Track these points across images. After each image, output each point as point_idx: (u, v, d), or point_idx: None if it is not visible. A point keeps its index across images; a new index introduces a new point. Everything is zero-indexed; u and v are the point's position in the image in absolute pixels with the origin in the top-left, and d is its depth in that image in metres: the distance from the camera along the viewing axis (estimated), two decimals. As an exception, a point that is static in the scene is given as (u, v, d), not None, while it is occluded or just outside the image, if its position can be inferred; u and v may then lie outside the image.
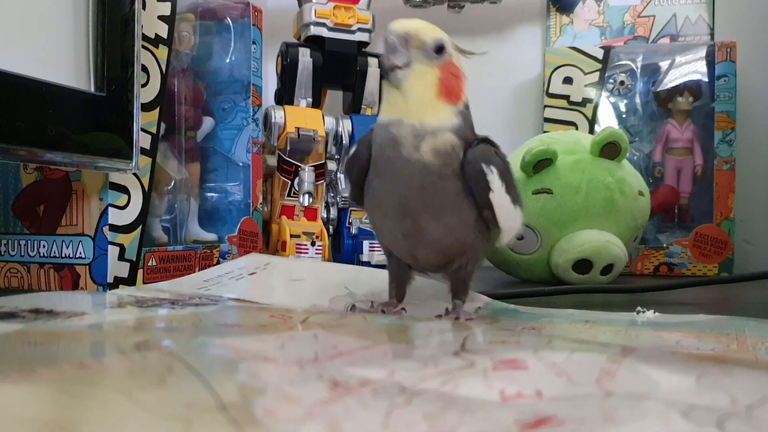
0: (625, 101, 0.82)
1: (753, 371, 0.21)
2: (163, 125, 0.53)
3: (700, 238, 0.76)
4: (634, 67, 0.81)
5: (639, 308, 0.39)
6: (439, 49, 0.33)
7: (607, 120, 0.81)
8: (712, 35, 0.84)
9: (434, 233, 0.33)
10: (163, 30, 0.51)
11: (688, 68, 0.79)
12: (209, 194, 0.64)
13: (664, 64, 0.81)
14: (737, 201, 0.76)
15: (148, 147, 0.49)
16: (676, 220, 0.79)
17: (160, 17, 0.51)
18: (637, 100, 0.81)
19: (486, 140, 0.34)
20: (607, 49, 0.81)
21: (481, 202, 0.33)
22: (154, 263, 0.51)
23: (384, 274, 0.39)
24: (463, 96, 0.34)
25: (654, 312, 0.38)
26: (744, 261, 0.79)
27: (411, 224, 0.33)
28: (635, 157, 0.80)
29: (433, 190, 0.32)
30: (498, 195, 0.33)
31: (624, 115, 0.82)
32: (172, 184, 0.58)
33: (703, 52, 0.78)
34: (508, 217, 0.34)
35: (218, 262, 0.58)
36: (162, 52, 0.51)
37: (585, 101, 0.81)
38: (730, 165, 0.76)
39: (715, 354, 0.26)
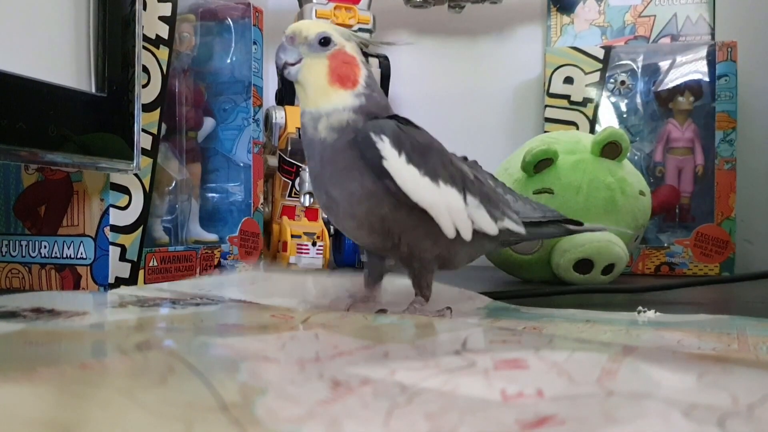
0: (625, 101, 0.82)
1: (754, 370, 0.21)
2: (164, 126, 0.53)
3: (701, 238, 0.76)
4: (635, 67, 0.81)
5: (640, 308, 0.39)
6: (325, 42, 0.35)
7: (608, 120, 0.81)
8: (712, 35, 0.84)
9: (343, 203, 0.35)
10: (163, 31, 0.51)
11: (689, 68, 0.79)
12: (210, 195, 0.64)
13: (664, 64, 0.80)
14: (738, 201, 0.76)
15: (149, 147, 0.49)
16: (677, 219, 0.79)
17: (161, 18, 0.51)
18: (638, 99, 0.81)
19: (395, 117, 0.35)
20: (607, 49, 0.81)
21: (375, 170, 0.33)
22: (155, 264, 0.51)
23: (390, 279, 0.39)
24: (361, 79, 0.35)
25: (655, 311, 0.38)
26: (745, 260, 0.79)
27: (325, 195, 0.35)
28: (636, 157, 0.80)
29: (330, 160, 0.34)
30: (393, 162, 0.33)
31: (625, 115, 0.81)
32: (173, 184, 0.58)
33: (703, 52, 0.78)
34: (420, 189, 0.34)
35: (219, 263, 0.58)
36: (163, 52, 0.51)
37: (586, 101, 0.81)
38: (731, 165, 0.76)
39: (716, 353, 0.26)
